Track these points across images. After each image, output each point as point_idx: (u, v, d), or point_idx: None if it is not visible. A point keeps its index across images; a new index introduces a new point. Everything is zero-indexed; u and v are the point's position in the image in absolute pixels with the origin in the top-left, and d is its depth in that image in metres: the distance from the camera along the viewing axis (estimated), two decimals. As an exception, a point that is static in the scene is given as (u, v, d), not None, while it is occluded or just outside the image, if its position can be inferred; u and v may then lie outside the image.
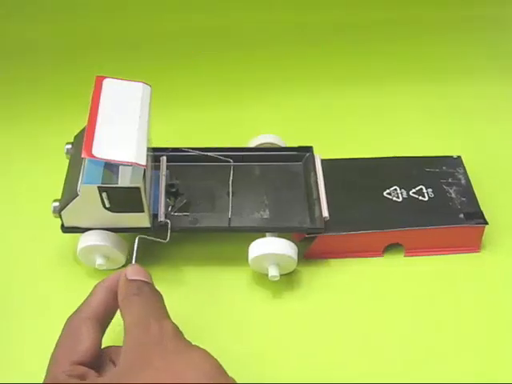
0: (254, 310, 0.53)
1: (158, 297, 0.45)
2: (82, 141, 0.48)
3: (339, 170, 0.58)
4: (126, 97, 0.51)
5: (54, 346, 0.43)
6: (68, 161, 0.55)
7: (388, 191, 0.57)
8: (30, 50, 0.74)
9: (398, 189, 0.57)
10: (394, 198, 0.57)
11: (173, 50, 0.75)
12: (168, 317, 0.44)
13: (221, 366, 0.40)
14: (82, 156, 0.47)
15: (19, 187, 0.61)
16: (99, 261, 0.53)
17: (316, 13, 0.77)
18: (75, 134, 0.56)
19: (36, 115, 0.68)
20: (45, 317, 0.52)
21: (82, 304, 0.46)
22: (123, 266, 0.55)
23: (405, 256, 0.56)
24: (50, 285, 0.54)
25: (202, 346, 0.41)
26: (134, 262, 0.48)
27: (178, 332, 0.42)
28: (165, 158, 0.57)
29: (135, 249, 0.48)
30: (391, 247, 0.56)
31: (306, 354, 0.51)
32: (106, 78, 0.52)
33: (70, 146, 0.55)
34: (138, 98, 0.51)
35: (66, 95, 0.70)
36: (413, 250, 0.56)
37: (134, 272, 0.45)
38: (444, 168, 0.59)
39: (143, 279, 0.45)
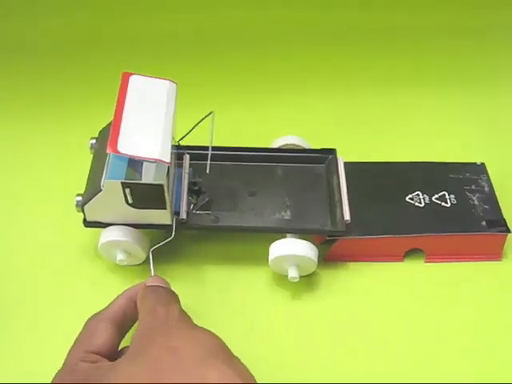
0: (273, 311, 0.53)
1: (173, 294, 0.46)
2: (107, 136, 0.48)
3: (362, 173, 0.58)
4: (152, 93, 0.51)
5: (73, 340, 0.44)
6: (92, 156, 0.55)
7: (410, 196, 0.57)
8: (52, 45, 0.74)
9: (421, 194, 0.57)
10: (416, 203, 0.56)
11: (189, 48, 0.75)
12: (177, 302, 0.45)
13: (225, 345, 0.41)
14: (107, 151, 0.47)
15: (43, 181, 0.62)
16: (120, 256, 0.53)
17: (342, 13, 0.77)
18: (100, 129, 0.56)
19: (61, 110, 0.68)
20: (66, 310, 0.53)
21: (104, 309, 0.46)
22: (144, 262, 0.54)
23: (425, 262, 0.56)
24: (71, 278, 0.55)
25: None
26: (152, 273, 0.49)
27: (184, 315, 0.43)
28: (188, 155, 0.57)
29: (151, 261, 0.50)
30: (412, 252, 0.56)
31: (323, 355, 0.51)
32: (132, 74, 0.52)
33: (94, 141, 0.55)
34: (164, 95, 0.51)
35: (91, 91, 0.70)
36: (433, 256, 0.56)
37: (153, 280, 0.48)
38: (467, 174, 0.59)
39: (160, 285, 0.47)
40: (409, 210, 0.56)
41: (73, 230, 0.56)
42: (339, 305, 0.53)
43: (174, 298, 0.46)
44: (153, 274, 0.49)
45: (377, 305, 0.54)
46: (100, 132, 0.56)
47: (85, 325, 0.45)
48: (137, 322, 0.46)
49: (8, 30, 0.74)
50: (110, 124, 0.52)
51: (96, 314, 0.46)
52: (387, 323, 0.52)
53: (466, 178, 0.58)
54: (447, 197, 0.57)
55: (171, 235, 0.51)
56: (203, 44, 0.75)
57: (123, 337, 0.46)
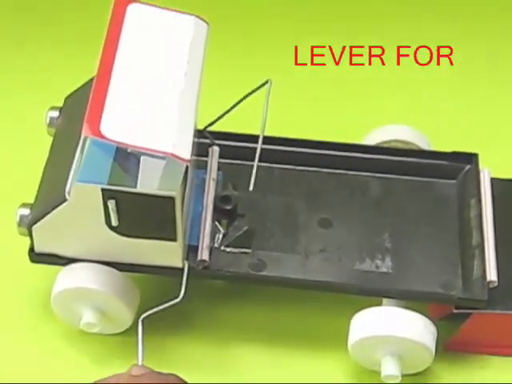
0: None
1: None
2: (82, 106, 0.47)
3: None
4: (165, 38, 0.50)
5: None
6: (52, 139, 0.55)
7: None
8: None
9: None
10: None
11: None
12: None
13: None
14: (84, 133, 0.46)
15: None
16: (88, 317, 0.53)
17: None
18: (66, 93, 0.57)
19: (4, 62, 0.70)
20: None
21: None
22: (128, 332, 0.54)
23: None
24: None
25: None
26: (140, 361, 0.48)
27: None
28: (217, 149, 0.56)
29: (140, 340, 0.48)
30: None
31: None
32: (132, 1, 0.51)
33: (56, 114, 0.56)
34: (186, 42, 0.50)
35: (55, 28, 0.72)
36: None
37: (140, 371, 0.46)
38: None
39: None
40: None
41: (10, 266, 0.57)
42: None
43: None
44: (141, 362, 0.48)
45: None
46: (68, 98, 0.57)
47: None
48: None
49: None
50: (87, 86, 0.52)
51: None
52: None
53: None
54: None
55: (179, 293, 0.51)
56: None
57: None
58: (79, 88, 0.55)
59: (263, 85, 0.54)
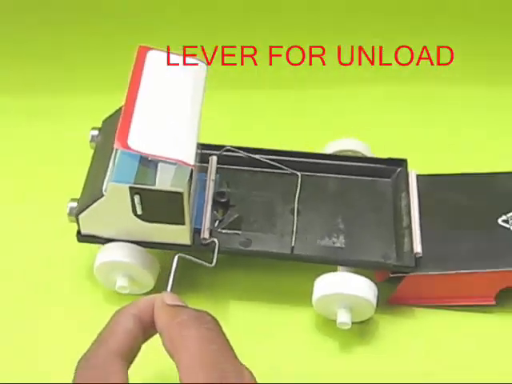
0: (315, 364, 0.57)
1: (219, 327, 0.46)
2: (114, 127, 0.52)
3: (439, 189, 0.61)
4: (175, 75, 0.55)
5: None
6: (93, 151, 0.60)
7: (504, 218, 0.60)
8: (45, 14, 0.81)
9: (520, 214, 0.60)
10: (513, 227, 0.59)
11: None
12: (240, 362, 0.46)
13: None
14: (115, 146, 0.51)
15: (29, 181, 0.67)
16: (121, 282, 0.58)
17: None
18: (103, 117, 0.61)
19: (54, 93, 0.74)
20: (48, 348, 0.57)
21: (106, 332, 0.47)
22: (151, 292, 0.59)
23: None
24: (55, 309, 0.59)
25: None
26: (169, 289, 0.50)
27: None
28: (215, 158, 0.62)
29: (173, 271, 0.50)
30: (508, 293, 0.58)
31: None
32: (151, 49, 0.56)
33: (96, 133, 0.60)
34: (190, 79, 0.55)
35: (92, 69, 0.76)
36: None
37: (173, 299, 0.48)
38: None
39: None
40: (502, 235, 0.59)
41: (63, 245, 0.61)
42: (401, 362, 0.56)
43: (226, 339, 0.46)
44: (169, 290, 0.50)
45: (452, 364, 0.56)
46: (104, 121, 0.61)
47: (91, 360, 0.45)
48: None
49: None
50: (118, 112, 0.57)
51: (102, 343, 0.46)
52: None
53: None
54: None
55: (212, 262, 0.55)
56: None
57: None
58: (112, 114, 0.59)
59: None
